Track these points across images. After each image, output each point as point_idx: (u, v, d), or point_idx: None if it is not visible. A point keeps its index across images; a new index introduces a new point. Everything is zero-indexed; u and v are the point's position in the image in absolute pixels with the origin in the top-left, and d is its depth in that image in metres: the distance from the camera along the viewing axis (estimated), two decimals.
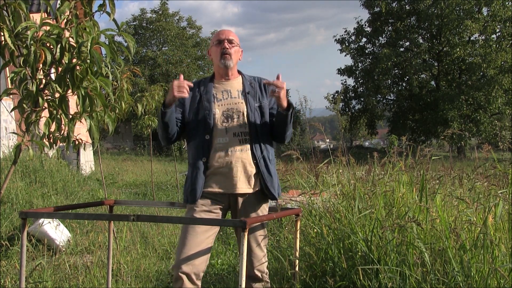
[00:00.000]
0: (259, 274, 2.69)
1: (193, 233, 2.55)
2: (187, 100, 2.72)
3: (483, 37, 30.61)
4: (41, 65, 2.65)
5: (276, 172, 2.77)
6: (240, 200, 2.67)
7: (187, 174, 2.75)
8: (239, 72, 2.82)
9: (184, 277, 2.48)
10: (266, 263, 2.75)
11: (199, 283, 2.53)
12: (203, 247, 2.55)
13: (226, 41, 2.71)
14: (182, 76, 2.65)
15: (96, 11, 2.76)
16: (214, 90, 2.73)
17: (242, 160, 2.64)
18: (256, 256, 2.68)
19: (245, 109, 2.68)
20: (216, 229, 2.67)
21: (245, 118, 2.68)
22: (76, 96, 2.72)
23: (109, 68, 2.77)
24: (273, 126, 2.75)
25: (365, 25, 34.44)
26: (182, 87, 2.54)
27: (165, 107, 2.58)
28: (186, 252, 2.51)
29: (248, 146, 2.66)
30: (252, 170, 2.66)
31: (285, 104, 2.60)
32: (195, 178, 2.63)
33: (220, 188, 2.64)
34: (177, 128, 2.70)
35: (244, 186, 2.65)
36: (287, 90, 2.68)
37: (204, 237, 2.56)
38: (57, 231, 4.94)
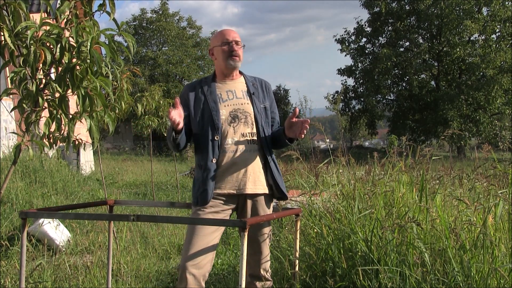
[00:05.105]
0: (263, 273, 2.71)
1: (201, 233, 2.52)
2: (191, 102, 2.70)
3: (482, 37, 30.62)
4: (41, 65, 2.65)
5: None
6: (249, 201, 2.66)
7: (194, 176, 2.73)
8: (240, 72, 2.82)
9: (190, 278, 2.46)
10: (269, 262, 2.77)
11: (204, 284, 2.51)
12: (210, 248, 2.53)
13: (234, 42, 2.70)
14: (177, 101, 2.54)
15: (96, 11, 2.76)
16: (218, 90, 2.71)
17: (251, 161, 2.64)
18: (262, 255, 2.70)
19: (252, 110, 2.69)
20: (222, 228, 2.68)
21: (252, 119, 2.68)
22: (76, 96, 2.72)
23: (109, 68, 2.77)
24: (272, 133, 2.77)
25: (365, 25, 34.46)
26: (177, 115, 2.48)
27: (176, 133, 2.55)
28: (193, 253, 2.49)
29: (256, 146, 2.67)
30: (260, 170, 2.67)
31: (295, 136, 2.60)
32: (206, 180, 2.59)
33: (230, 189, 2.62)
34: (185, 136, 2.68)
35: (253, 186, 2.64)
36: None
37: (211, 237, 2.54)
38: (57, 231, 4.93)
